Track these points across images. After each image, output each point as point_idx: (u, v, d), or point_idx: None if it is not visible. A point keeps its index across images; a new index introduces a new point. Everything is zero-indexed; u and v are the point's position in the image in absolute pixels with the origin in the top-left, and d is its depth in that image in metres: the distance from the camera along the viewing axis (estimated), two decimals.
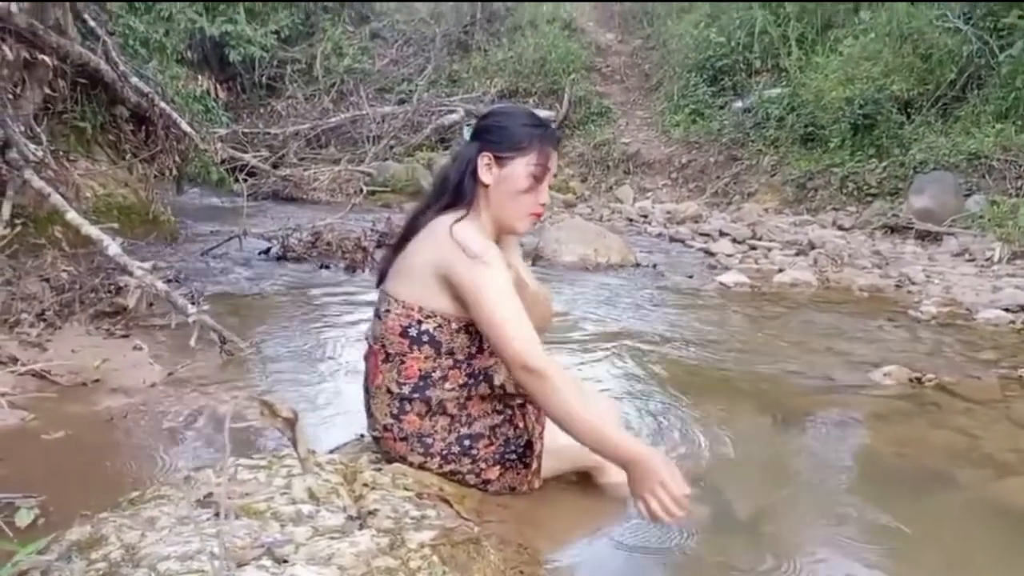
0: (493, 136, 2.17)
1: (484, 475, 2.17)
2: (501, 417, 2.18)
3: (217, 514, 1.56)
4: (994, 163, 8.21)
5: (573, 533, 2.15)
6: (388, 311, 2.14)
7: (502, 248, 2.18)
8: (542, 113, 11.78)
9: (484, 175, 2.15)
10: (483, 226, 2.16)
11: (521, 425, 2.19)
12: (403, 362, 2.11)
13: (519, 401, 2.21)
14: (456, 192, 2.16)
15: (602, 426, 1.95)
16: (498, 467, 2.17)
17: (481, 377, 2.16)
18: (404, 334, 2.10)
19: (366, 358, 2.24)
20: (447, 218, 2.11)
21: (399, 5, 14.59)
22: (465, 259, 2.02)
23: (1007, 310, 4.92)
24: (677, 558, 2.04)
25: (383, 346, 2.14)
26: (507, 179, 2.15)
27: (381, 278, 2.26)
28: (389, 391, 2.13)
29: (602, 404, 2.47)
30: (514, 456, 2.18)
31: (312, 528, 1.65)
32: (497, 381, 2.18)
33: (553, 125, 10.69)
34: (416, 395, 2.12)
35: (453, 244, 2.04)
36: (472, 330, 2.10)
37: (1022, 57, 8.45)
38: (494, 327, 1.99)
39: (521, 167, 2.15)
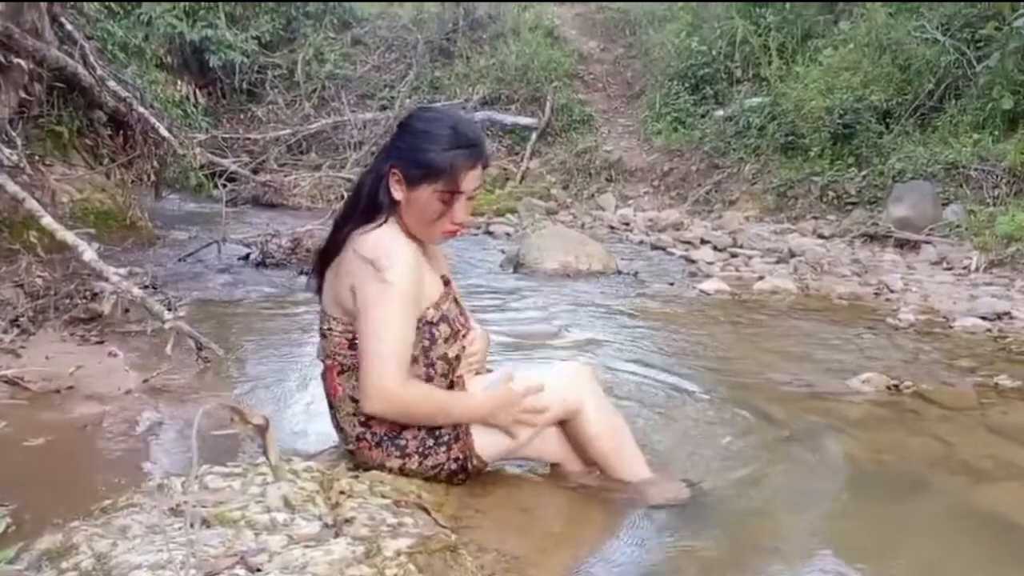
0: (405, 155, 2.11)
1: (455, 453, 2.17)
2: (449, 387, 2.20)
3: (191, 523, 1.54)
4: (971, 172, 8.27)
5: (552, 539, 2.14)
6: (331, 329, 2.16)
7: (429, 259, 2.20)
8: (522, 120, 11.87)
9: (395, 192, 2.11)
10: (403, 229, 2.14)
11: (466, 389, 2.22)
12: (359, 370, 2.11)
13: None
14: (370, 205, 2.13)
15: (459, 410, 2.15)
16: (459, 442, 2.17)
17: (442, 361, 2.17)
18: (352, 346, 2.12)
19: (323, 376, 2.24)
20: (360, 231, 2.10)
21: (381, 11, 14.57)
22: (369, 272, 2.02)
23: (984, 318, 4.95)
24: (655, 562, 2.03)
25: (337, 361, 2.15)
26: (415, 203, 2.11)
27: (318, 289, 2.26)
28: (353, 399, 2.13)
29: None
30: (468, 425, 2.18)
31: (287, 536, 1.64)
32: (451, 354, 2.19)
33: (532, 129, 10.66)
34: None
35: (360, 258, 2.04)
36: (420, 327, 2.11)
37: (999, 68, 8.53)
38: (366, 349, 2.03)
39: (427, 194, 2.09)
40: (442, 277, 2.25)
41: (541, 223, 8.82)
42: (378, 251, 2.04)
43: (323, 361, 2.22)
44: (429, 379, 2.15)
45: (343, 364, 2.14)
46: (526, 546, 2.01)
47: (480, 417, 2.16)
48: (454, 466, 2.18)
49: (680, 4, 13.22)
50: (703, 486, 2.45)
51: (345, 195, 9.28)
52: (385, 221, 2.10)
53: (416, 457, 2.15)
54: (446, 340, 2.17)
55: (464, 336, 2.25)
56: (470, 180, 2.11)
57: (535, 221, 9.11)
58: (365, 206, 2.14)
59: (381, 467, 2.16)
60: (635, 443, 2.40)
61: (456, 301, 2.28)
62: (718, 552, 2.11)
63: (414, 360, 2.12)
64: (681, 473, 2.55)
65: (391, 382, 2.00)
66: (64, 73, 5.30)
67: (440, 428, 2.15)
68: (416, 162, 2.09)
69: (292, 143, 11.68)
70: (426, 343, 2.13)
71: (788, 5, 11.57)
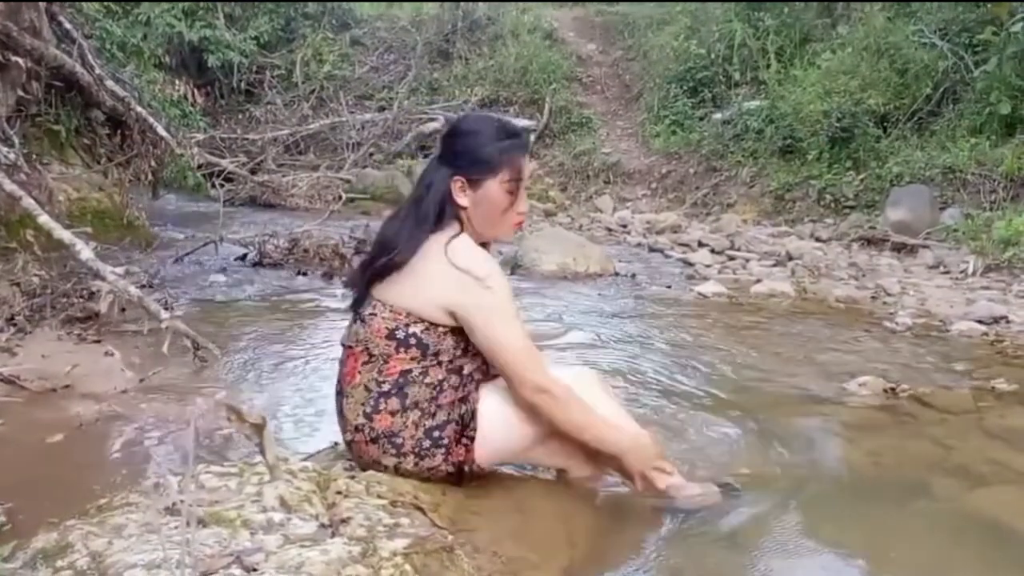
0: (462, 160, 2.17)
1: (453, 458, 2.17)
2: (459, 396, 2.19)
3: (187, 522, 1.54)
4: (969, 177, 8.30)
5: (548, 541, 2.13)
6: (373, 315, 2.16)
7: None
8: (520, 121, 11.86)
9: (460, 199, 2.17)
10: (473, 237, 2.19)
11: (471, 398, 2.21)
12: (386, 362, 2.13)
13: (476, 379, 2.23)
14: (438, 219, 2.16)
15: (607, 429, 2.21)
16: (462, 448, 2.17)
17: (455, 373, 2.17)
18: (391, 336, 2.12)
19: (342, 361, 2.24)
20: (440, 241, 2.12)
21: (380, 12, 14.59)
22: (470, 287, 2.08)
23: (980, 322, 4.95)
24: (652, 564, 2.03)
25: (366, 348, 2.15)
26: (483, 200, 2.17)
27: (359, 301, 2.24)
28: (367, 388, 2.14)
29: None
30: (473, 433, 2.18)
31: (283, 536, 1.63)
32: (466, 371, 2.20)
33: (530, 131, 10.78)
34: (394, 391, 2.13)
35: (456, 272, 2.08)
36: (459, 332, 2.14)
37: (996, 73, 8.55)
38: (502, 354, 2.12)
39: (495, 187, 2.16)
40: None
41: (538, 224, 8.83)
42: (472, 263, 2.11)
43: (349, 346, 2.22)
44: (440, 383, 2.15)
45: (371, 352, 2.14)
46: (523, 547, 2.00)
47: (625, 449, 2.22)
48: (451, 470, 2.18)
49: (679, 7, 13.25)
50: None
51: (343, 196, 9.35)
52: (460, 232, 2.17)
53: (412, 457, 2.14)
54: (476, 355, 2.19)
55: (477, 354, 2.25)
56: (526, 167, 2.21)
57: (532, 223, 9.12)
58: (434, 221, 2.16)
59: (376, 464, 2.16)
60: None
61: None
62: (714, 554, 2.11)
63: (438, 364, 2.14)
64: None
65: (543, 376, 2.12)
66: (62, 72, 5.29)
67: (439, 431, 2.14)
68: (475, 162, 2.16)
69: (290, 143, 11.67)
70: (459, 352, 2.17)
71: (786, 9, 11.60)
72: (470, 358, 2.19)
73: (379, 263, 2.19)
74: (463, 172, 2.16)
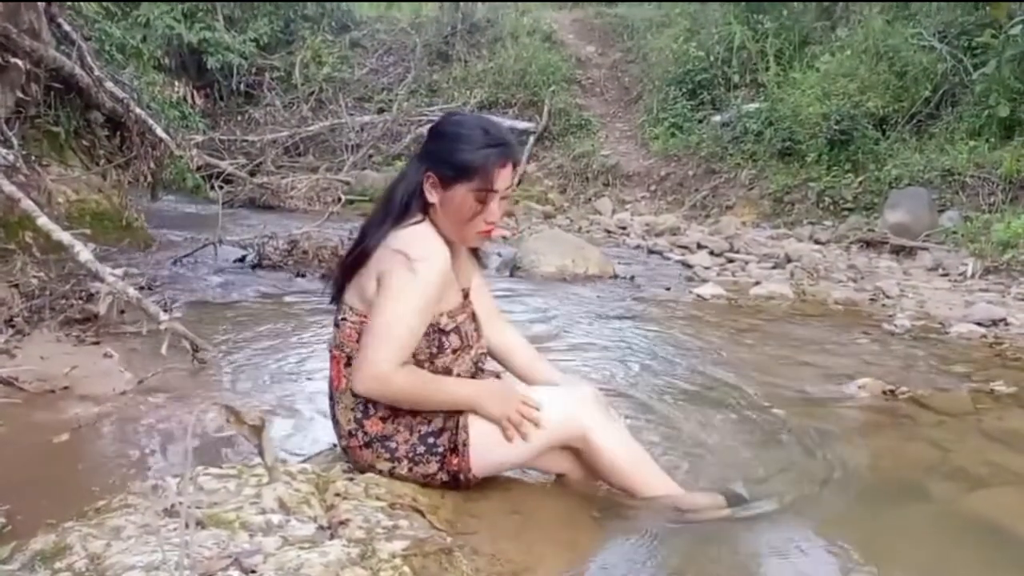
0: (437, 158, 2.14)
1: (450, 466, 2.16)
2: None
3: (186, 524, 1.54)
4: (967, 179, 8.32)
5: (547, 543, 2.13)
6: (344, 319, 2.17)
7: (457, 268, 2.19)
8: (519, 124, 11.87)
9: (429, 195, 2.15)
10: (440, 232, 2.16)
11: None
12: None
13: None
14: (404, 211, 2.15)
15: (446, 394, 2.13)
16: (456, 456, 2.16)
17: (442, 374, 2.17)
18: (361, 340, 2.11)
19: (330, 366, 2.24)
20: (396, 230, 2.11)
21: (379, 14, 14.61)
22: (397, 260, 2.04)
23: (979, 324, 4.96)
24: (651, 567, 2.03)
25: (344, 352, 2.16)
26: (450, 202, 2.13)
27: (337, 294, 2.25)
28: (354, 393, 2.13)
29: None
30: (466, 439, 2.16)
31: (282, 538, 1.63)
32: (455, 373, 2.20)
33: (529, 133, 10.72)
34: None
35: (392, 251, 2.07)
36: (430, 332, 2.12)
37: (995, 76, 8.56)
38: (374, 325, 2.05)
39: (463, 192, 2.11)
40: (463, 290, 2.26)
41: (538, 227, 8.84)
42: (412, 244, 2.06)
43: (331, 351, 2.23)
44: None
45: (349, 356, 2.14)
46: (521, 550, 2.00)
47: (468, 403, 2.14)
48: (446, 477, 2.17)
49: (678, 9, 13.28)
50: (695, 491, 2.44)
51: (342, 197, 9.34)
52: (421, 220, 2.13)
53: (406, 463, 2.14)
54: (455, 351, 2.18)
55: (471, 351, 2.25)
56: (502, 178, 2.13)
57: (531, 224, 9.12)
58: (398, 213, 2.14)
59: (372, 469, 2.15)
60: (654, 462, 2.35)
61: (473, 316, 2.28)
62: (712, 556, 2.11)
63: (417, 364, 2.13)
64: (674, 477, 2.54)
65: (388, 365, 2.02)
66: (61, 73, 5.29)
67: (433, 438, 2.14)
68: (449, 163, 2.11)
69: (289, 145, 11.69)
70: (434, 350, 2.15)
71: (785, 11, 11.62)
72: (454, 359, 2.18)
73: (350, 257, 2.22)
74: (436, 170, 2.13)
